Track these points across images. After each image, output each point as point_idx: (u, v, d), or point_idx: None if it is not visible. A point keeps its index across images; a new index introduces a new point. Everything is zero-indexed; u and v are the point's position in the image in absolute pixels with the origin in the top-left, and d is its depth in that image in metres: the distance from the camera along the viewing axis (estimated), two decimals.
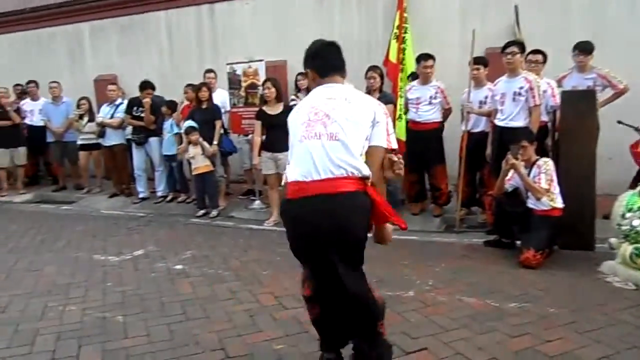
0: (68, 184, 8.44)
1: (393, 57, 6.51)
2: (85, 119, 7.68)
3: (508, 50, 4.85)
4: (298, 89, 6.90)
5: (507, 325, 3.13)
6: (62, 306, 3.63)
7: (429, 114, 5.58)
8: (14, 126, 7.99)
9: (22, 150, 8.17)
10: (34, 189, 8.49)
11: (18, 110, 8.13)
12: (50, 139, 8.14)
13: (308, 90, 6.62)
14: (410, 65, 6.37)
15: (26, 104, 8.44)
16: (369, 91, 5.55)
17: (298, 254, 2.48)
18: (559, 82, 5.33)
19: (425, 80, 5.59)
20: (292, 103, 6.73)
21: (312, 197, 2.22)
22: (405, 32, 6.45)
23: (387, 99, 5.52)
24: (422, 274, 4.10)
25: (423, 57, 5.55)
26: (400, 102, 6.10)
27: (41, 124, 8.17)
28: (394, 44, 6.50)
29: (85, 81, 8.89)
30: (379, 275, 4.04)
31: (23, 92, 8.81)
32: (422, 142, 5.59)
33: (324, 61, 2.52)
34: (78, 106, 7.79)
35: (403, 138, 5.99)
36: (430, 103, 5.56)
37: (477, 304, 3.48)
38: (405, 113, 5.86)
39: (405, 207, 5.95)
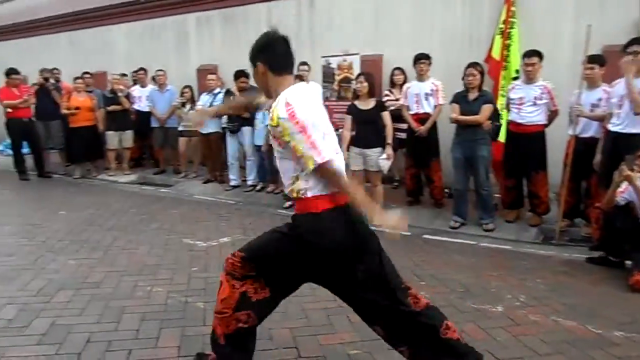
0: (167, 168, 8.89)
1: (496, 54, 6.12)
2: (188, 106, 8.02)
3: (631, 49, 4.35)
4: (393, 84, 6.71)
5: (610, 356, 2.80)
6: (149, 287, 3.78)
7: (532, 116, 5.17)
8: (123, 111, 8.54)
9: (130, 134, 8.72)
10: (138, 171, 9.03)
11: (128, 96, 8.67)
12: (154, 124, 8.61)
13: (402, 85, 6.45)
14: (515, 63, 5.96)
15: (135, 90, 8.97)
16: (467, 89, 5.26)
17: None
18: None
19: (529, 79, 5.18)
20: (385, 98, 6.58)
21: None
22: (512, 28, 6.03)
23: (487, 99, 5.21)
24: (514, 288, 3.80)
25: (527, 54, 5.15)
26: (501, 101, 5.75)
27: (147, 109, 8.66)
28: (499, 40, 6.11)
29: (189, 70, 9.30)
30: (465, 285, 3.81)
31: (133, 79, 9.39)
32: (523, 146, 5.20)
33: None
34: (181, 94, 8.17)
35: (501, 140, 5.66)
36: (534, 104, 5.14)
37: (576, 328, 3.15)
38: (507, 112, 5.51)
39: (499, 214, 5.58)
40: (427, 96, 5.81)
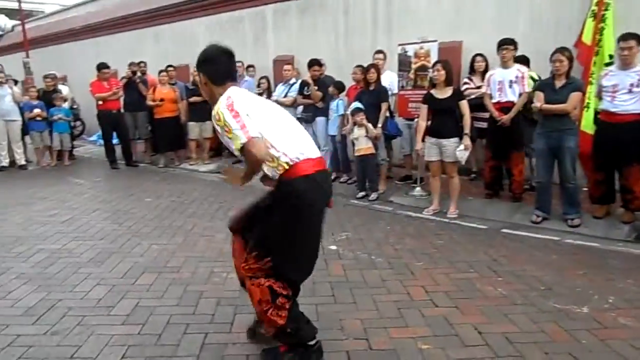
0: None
1: (587, 39, 5.70)
2: (264, 96, 8.17)
3: None
4: (473, 71, 6.45)
5: None
6: (225, 273, 3.89)
7: (627, 104, 4.74)
8: (204, 102, 8.81)
9: (209, 124, 9.01)
10: (216, 160, 9.34)
11: None
12: None
13: (484, 72, 6.18)
14: (609, 48, 5.52)
15: None
16: (554, 76, 4.94)
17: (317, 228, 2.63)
18: None
19: (625, 65, 4.77)
20: (464, 87, 6.34)
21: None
22: (606, 9, 5.56)
23: (575, 86, 4.87)
24: (601, 289, 3.54)
25: (623, 37, 4.73)
26: (590, 89, 5.37)
27: None
28: (590, 23, 5.68)
29: (265, 61, 9.46)
30: (546, 283, 3.61)
31: None
32: (616, 136, 4.78)
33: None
34: (258, 85, 8.33)
35: (589, 131, 5.28)
36: (630, 91, 4.71)
37: None
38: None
39: (586, 209, 5.22)
40: (511, 83, 5.50)
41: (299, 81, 7.70)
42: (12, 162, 9.26)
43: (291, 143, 2.46)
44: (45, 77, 10.08)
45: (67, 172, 8.94)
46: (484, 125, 6.00)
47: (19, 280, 3.80)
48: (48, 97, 9.54)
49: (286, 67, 7.90)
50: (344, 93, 7.03)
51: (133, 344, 2.83)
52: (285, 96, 7.71)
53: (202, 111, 8.83)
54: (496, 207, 5.67)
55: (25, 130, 9.36)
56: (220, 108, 2.36)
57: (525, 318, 3.09)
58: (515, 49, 5.52)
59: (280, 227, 2.46)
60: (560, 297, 3.39)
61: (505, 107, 5.52)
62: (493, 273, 3.85)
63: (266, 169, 2.46)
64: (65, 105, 9.82)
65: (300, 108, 7.46)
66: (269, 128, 2.40)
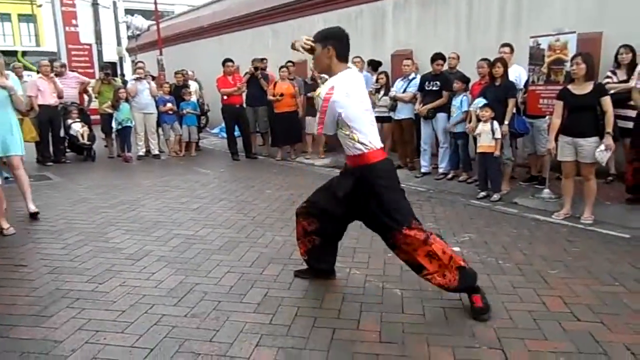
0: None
1: None
2: (382, 92, 8.12)
3: None
4: (617, 64, 5.87)
5: None
6: (348, 269, 3.92)
7: None
8: None
9: None
10: (331, 155, 9.46)
11: None
12: None
13: (630, 65, 5.61)
14: None
15: None
16: None
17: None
18: None
19: None
20: (606, 81, 5.80)
21: None
22: None
23: None
24: None
25: None
26: None
27: None
28: None
29: (383, 56, 9.38)
30: None
31: None
32: None
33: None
34: (377, 80, 8.29)
35: None
36: None
37: None
38: None
39: None
40: None
41: (419, 76, 7.53)
42: (148, 152, 10.11)
43: (374, 132, 3.16)
44: (176, 73, 10.88)
45: (194, 162, 9.58)
46: (627, 124, 5.46)
47: (160, 262, 4.11)
48: (178, 92, 10.29)
49: (406, 61, 7.75)
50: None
51: (265, 333, 2.92)
52: (404, 91, 7.58)
53: None
54: None
55: (158, 123, 10.16)
56: (322, 93, 3.01)
57: None
58: None
59: (393, 191, 3.13)
60: None
61: None
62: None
63: (347, 142, 3.11)
64: (193, 98, 10.51)
65: (418, 104, 7.29)
66: (360, 117, 3.07)
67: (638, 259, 4.04)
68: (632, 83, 5.24)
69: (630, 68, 5.61)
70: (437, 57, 6.99)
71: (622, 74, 5.75)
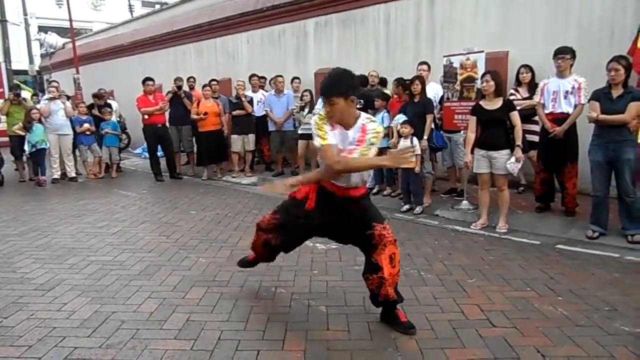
0: (285, 170, 9.15)
1: None
2: (306, 110, 8.20)
3: None
4: (519, 83, 6.29)
5: None
6: (274, 288, 3.88)
7: None
8: (247, 115, 8.97)
9: (252, 137, 9.12)
10: (258, 173, 9.40)
11: (251, 101, 9.07)
12: (271, 128, 8.95)
13: (529, 84, 6.03)
14: None
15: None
16: (610, 85, 4.75)
17: None
18: None
19: None
20: (511, 97, 6.18)
21: None
22: None
23: (634, 95, 4.67)
24: None
25: None
26: None
27: (262, 114, 9.05)
28: None
29: (307, 74, 9.50)
30: (611, 303, 3.43)
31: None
32: None
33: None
34: (301, 98, 8.37)
35: None
36: None
37: None
38: None
39: None
40: (566, 94, 5.30)
41: None
42: (63, 174, 9.57)
43: None
44: (94, 95, 10.47)
45: (115, 184, 9.18)
46: (535, 138, 5.83)
47: (73, 292, 3.87)
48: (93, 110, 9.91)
49: None
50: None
51: None
52: None
53: (245, 124, 9.00)
54: (548, 222, 5.47)
55: (74, 144, 9.66)
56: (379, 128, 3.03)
57: (591, 341, 2.92)
58: (573, 57, 5.32)
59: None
60: (627, 318, 3.20)
61: (558, 119, 5.34)
62: (551, 292, 3.69)
63: (365, 175, 3.23)
64: (113, 118, 10.10)
65: None
66: None
67: (546, 264, 4.29)
68: (535, 99, 5.62)
69: (531, 86, 6.01)
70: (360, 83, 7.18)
71: (524, 92, 6.19)
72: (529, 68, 6.19)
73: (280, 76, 8.90)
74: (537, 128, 5.81)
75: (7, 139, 9.65)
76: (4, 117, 9.65)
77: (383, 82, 7.78)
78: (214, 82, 9.44)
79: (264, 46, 10.84)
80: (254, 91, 9.45)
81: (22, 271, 4.37)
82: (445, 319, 3.30)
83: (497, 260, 4.45)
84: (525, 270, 4.18)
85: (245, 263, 3.88)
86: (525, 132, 5.61)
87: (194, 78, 10.22)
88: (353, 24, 9.02)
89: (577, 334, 3.02)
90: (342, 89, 2.90)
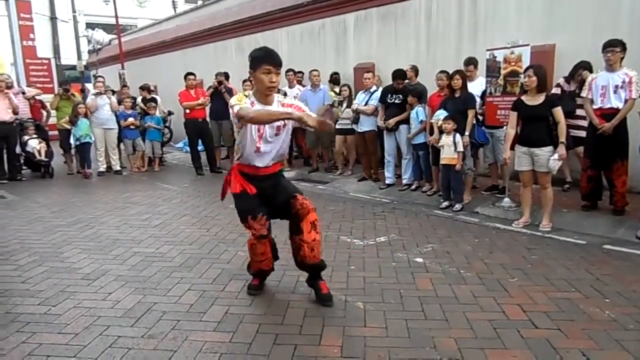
0: (320, 166, 9.16)
1: None
2: (344, 104, 8.17)
3: None
4: (571, 77, 6.04)
5: None
6: None
7: None
8: None
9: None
10: (296, 168, 9.44)
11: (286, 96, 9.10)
12: None
13: (582, 82, 5.80)
14: None
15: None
16: None
17: None
18: None
19: None
20: (554, 90, 5.98)
21: None
22: None
23: None
24: None
25: None
26: None
27: None
28: None
29: (346, 69, 9.46)
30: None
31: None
32: None
33: None
34: (339, 93, 8.34)
35: None
36: None
37: None
38: None
39: None
40: (616, 89, 5.07)
41: (380, 89, 7.62)
42: (109, 168, 9.88)
43: None
44: (141, 88, 10.74)
45: (157, 177, 9.41)
46: (579, 133, 5.63)
47: (118, 282, 3.99)
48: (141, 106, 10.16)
49: (366, 74, 7.83)
50: (426, 101, 6.89)
51: (225, 352, 2.86)
52: (366, 104, 7.64)
53: None
54: (595, 221, 5.28)
55: (119, 138, 9.96)
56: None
57: None
58: (624, 50, 5.08)
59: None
60: None
61: (607, 114, 5.12)
62: (598, 293, 3.56)
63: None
64: (158, 113, 10.36)
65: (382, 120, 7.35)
66: None
67: (592, 265, 4.15)
68: (583, 93, 5.41)
69: (583, 83, 5.79)
70: (398, 76, 7.08)
71: (573, 87, 5.94)
72: (589, 69, 5.91)
73: (316, 70, 8.86)
74: (583, 123, 5.60)
75: (56, 132, 10.03)
76: (53, 112, 10.05)
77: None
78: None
79: (303, 41, 10.86)
80: (290, 86, 9.46)
81: (70, 261, 4.54)
82: (486, 318, 3.23)
83: (540, 260, 4.33)
84: (569, 271, 4.05)
85: (255, 287, 3.81)
86: (570, 127, 5.45)
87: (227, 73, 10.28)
88: (393, 18, 8.91)
89: (625, 337, 2.91)
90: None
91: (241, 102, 3.24)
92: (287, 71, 9.60)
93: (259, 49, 3.43)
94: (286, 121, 3.29)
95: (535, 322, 3.15)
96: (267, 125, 3.30)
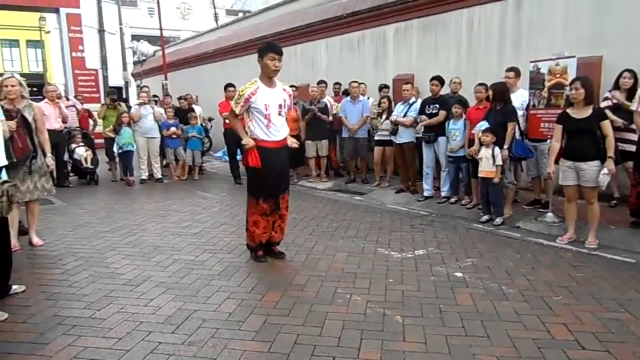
0: (357, 177, 9.14)
1: None
2: (384, 116, 8.15)
3: None
4: (617, 87, 5.85)
5: None
6: (349, 295, 3.87)
7: None
8: (320, 121, 9.07)
9: (325, 143, 9.21)
10: (333, 179, 9.45)
11: (326, 107, 9.15)
12: (345, 134, 8.97)
13: (630, 91, 5.61)
14: None
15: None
16: None
17: None
18: None
19: None
20: (604, 104, 5.80)
21: None
22: None
23: None
24: None
25: None
26: None
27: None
28: None
29: (385, 80, 9.44)
30: None
31: (344, 91, 9.83)
32: None
33: None
34: (379, 104, 8.35)
35: None
36: None
37: None
38: None
39: None
40: None
41: (420, 100, 7.56)
42: (150, 175, 10.13)
43: None
44: (180, 98, 11.00)
45: (197, 186, 9.59)
46: (629, 147, 5.44)
47: (159, 288, 4.07)
48: (181, 116, 10.38)
49: (405, 86, 7.79)
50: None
51: None
52: (405, 115, 7.60)
53: (318, 130, 9.08)
54: None
55: (162, 147, 10.21)
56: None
57: None
58: None
59: None
60: None
61: None
62: None
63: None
64: (199, 123, 10.59)
65: (421, 127, 7.29)
66: None
67: None
68: (633, 107, 5.23)
69: (632, 92, 5.59)
70: (433, 78, 7.05)
71: (621, 98, 5.75)
72: (633, 74, 5.73)
73: (355, 82, 8.87)
74: (633, 137, 5.41)
75: (102, 140, 10.37)
76: (100, 120, 10.40)
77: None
78: (293, 88, 9.59)
79: (342, 52, 10.92)
80: (321, 98, 9.50)
81: (113, 266, 4.66)
82: (529, 337, 3.14)
83: (586, 278, 4.19)
84: (618, 290, 3.90)
85: (263, 257, 4.75)
86: (618, 140, 5.27)
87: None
88: (434, 29, 8.85)
89: None
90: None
91: (239, 100, 4.48)
92: (319, 82, 9.65)
93: (264, 42, 4.90)
94: (285, 102, 4.60)
95: (583, 343, 3.04)
96: (270, 106, 4.46)
